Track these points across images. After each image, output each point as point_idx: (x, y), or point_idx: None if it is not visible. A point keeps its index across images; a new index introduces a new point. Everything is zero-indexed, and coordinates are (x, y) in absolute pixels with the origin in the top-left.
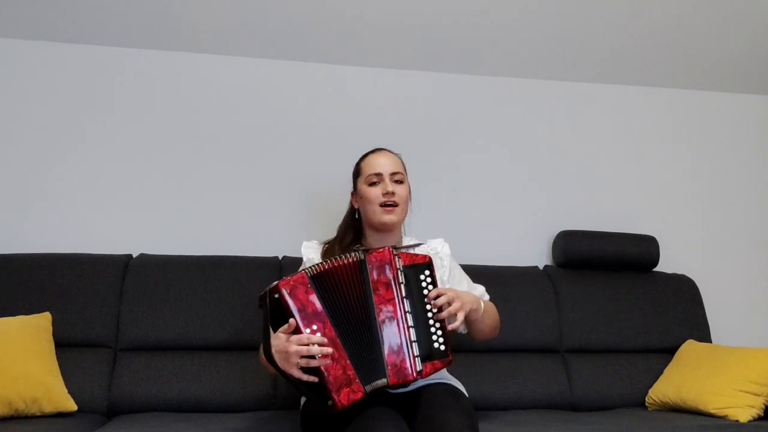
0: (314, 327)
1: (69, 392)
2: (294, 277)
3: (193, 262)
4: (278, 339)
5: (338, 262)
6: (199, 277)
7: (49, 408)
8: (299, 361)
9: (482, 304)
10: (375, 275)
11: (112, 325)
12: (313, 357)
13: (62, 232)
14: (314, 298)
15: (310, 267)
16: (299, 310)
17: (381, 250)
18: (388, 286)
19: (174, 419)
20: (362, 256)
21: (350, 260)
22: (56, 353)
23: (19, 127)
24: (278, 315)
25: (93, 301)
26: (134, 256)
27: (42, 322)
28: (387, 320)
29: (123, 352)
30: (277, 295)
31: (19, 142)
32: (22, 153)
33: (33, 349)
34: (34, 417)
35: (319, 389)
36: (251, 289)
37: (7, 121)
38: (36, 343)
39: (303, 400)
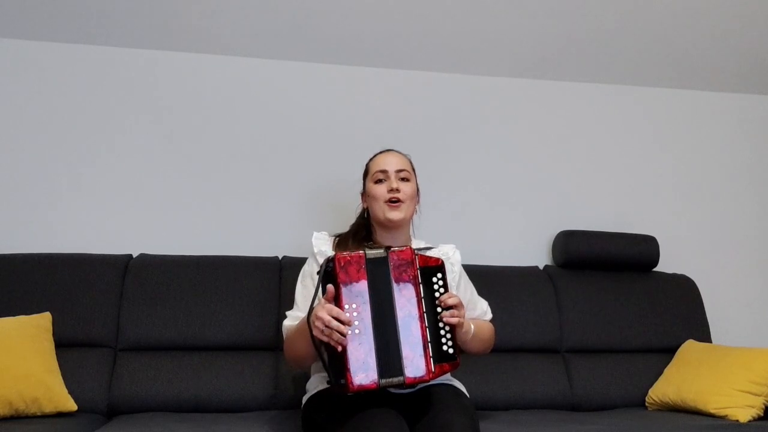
0: (354, 305)
1: (69, 392)
2: (353, 254)
3: (193, 262)
4: (319, 304)
5: (379, 255)
6: (199, 277)
7: (49, 408)
8: (324, 329)
9: (472, 329)
10: (396, 273)
11: (112, 325)
12: (332, 330)
13: (62, 232)
14: (363, 279)
15: (369, 249)
16: (345, 285)
17: (404, 249)
18: (407, 285)
19: (174, 419)
20: (384, 253)
21: (378, 255)
22: (56, 353)
23: (19, 128)
24: (327, 283)
25: (93, 301)
26: (134, 256)
27: (42, 322)
28: (407, 319)
29: (123, 352)
30: (332, 265)
31: (19, 143)
32: (22, 153)
33: (33, 349)
34: (34, 417)
35: (338, 364)
36: (251, 289)
37: (7, 121)
38: (36, 343)
39: (305, 399)
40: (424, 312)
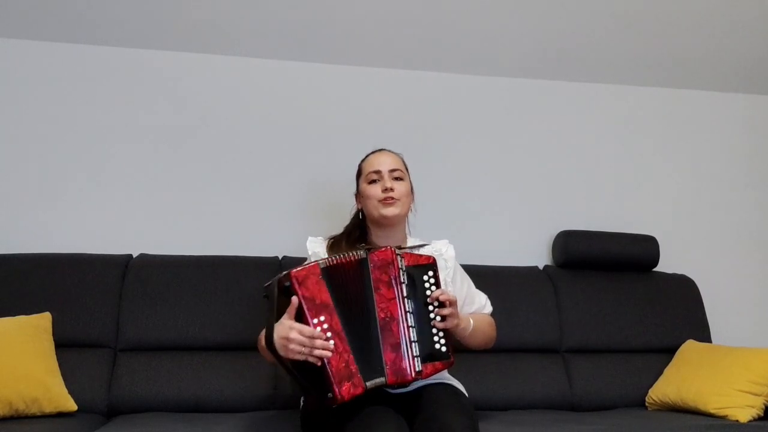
0: (321, 318)
1: (69, 392)
2: (306, 268)
3: (193, 262)
4: (282, 325)
5: (345, 258)
6: (199, 277)
7: (49, 408)
8: (302, 350)
9: (471, 324)
10: (377, 274)
11: (112, 325)
12: (312, 348)
13: (62, 232)
14: (324, 290)
15: (322, 259)
16: (307, 300)
17: (384, 249)
18: (389, 285)
19: (174, 419)
20: (364, 255)
21: (355, 257)
22: (56, 353)
23: (19, 128)
24: (287, 303)
25: (93, 301)
26: (134, 256)
27: (42, 322)
28: (387, 319)
29: (123, 352)
30: (288, 284)
31: (19, 143)
32: (22, 153)
33: (33, 349)
34: (34, 417)
35: (319, 380)
36: (251, 289)
37: (7, 121)
38: (36, 343)
39: (303, 399)
40: (407, 312)
